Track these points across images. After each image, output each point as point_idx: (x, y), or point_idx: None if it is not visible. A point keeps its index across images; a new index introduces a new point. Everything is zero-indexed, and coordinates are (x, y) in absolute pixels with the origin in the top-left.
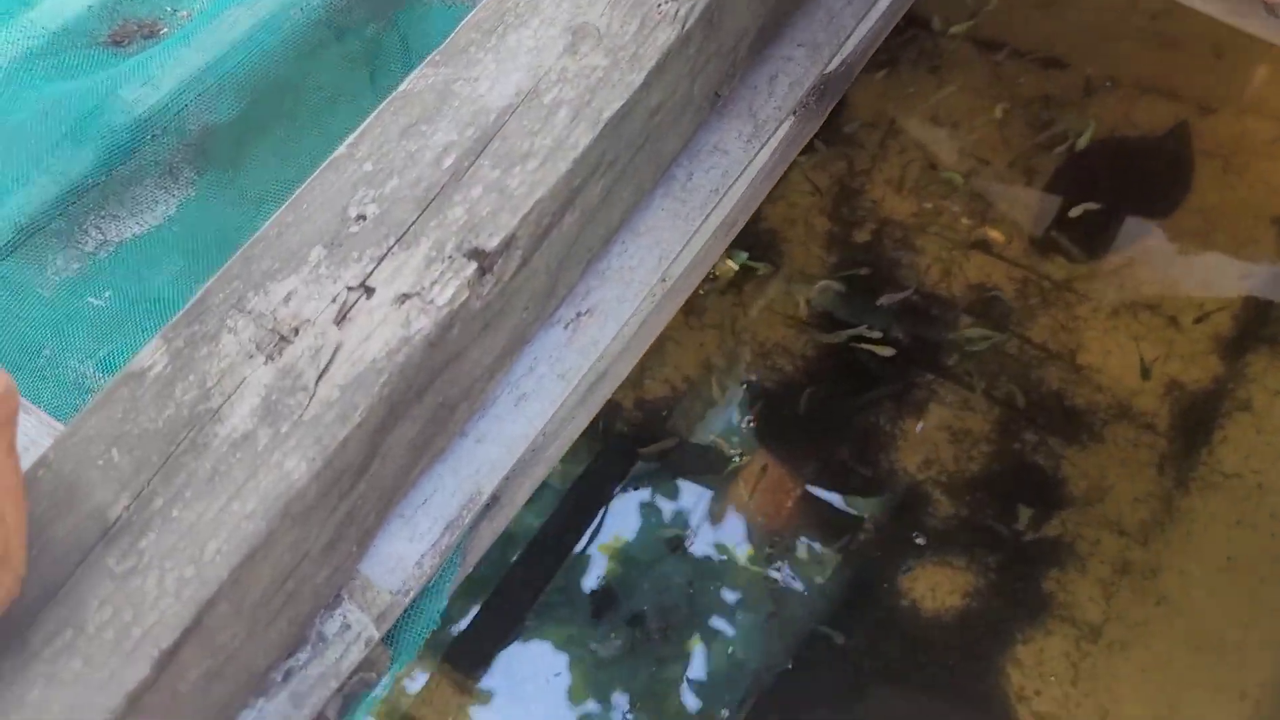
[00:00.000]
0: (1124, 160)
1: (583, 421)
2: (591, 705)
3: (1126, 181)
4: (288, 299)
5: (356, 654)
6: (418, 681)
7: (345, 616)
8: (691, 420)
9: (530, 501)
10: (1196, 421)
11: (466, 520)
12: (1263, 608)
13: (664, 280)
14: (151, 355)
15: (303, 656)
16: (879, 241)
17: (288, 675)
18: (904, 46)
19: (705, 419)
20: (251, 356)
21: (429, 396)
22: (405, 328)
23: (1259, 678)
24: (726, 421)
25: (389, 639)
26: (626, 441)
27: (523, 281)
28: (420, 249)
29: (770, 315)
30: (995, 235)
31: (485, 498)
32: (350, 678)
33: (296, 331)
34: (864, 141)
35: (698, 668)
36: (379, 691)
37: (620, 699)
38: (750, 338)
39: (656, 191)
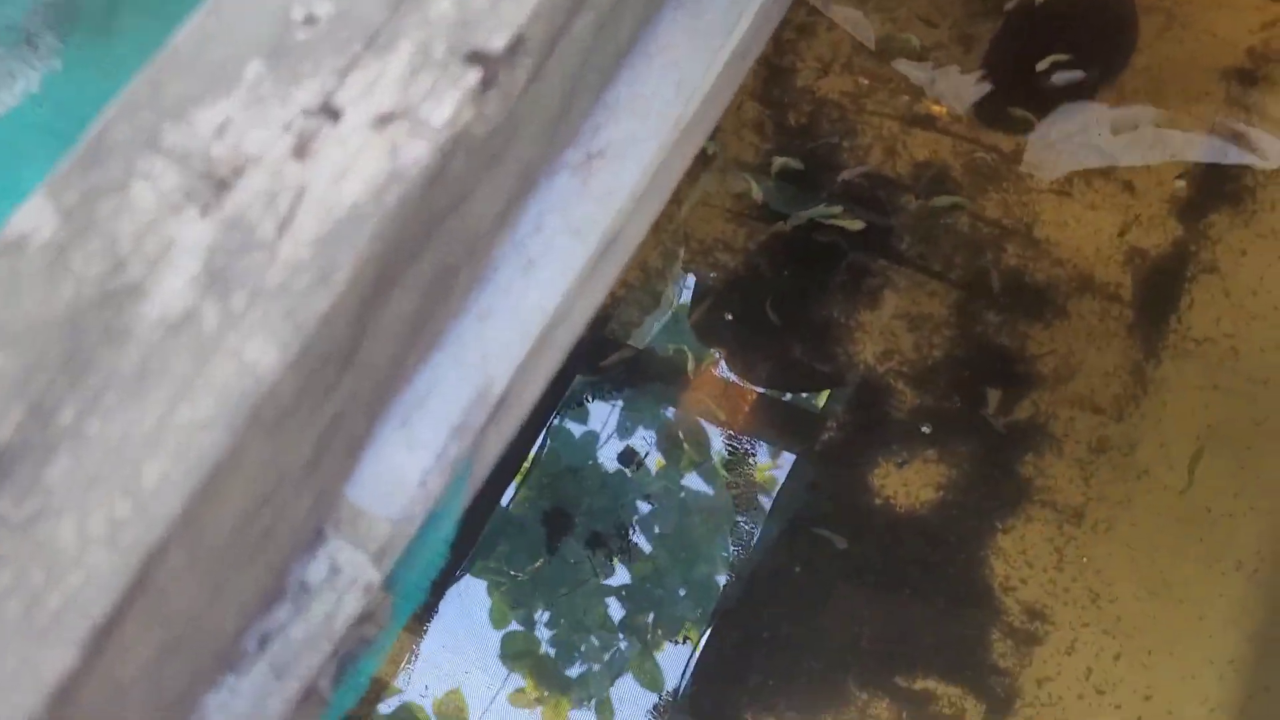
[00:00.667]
0: (1064, 22)
1: (596, 298)
2: (516, 625)
3: (1068, 45)
4: (221, 131)
5: (352, 604)
6: None
7: (334, 557)
8: (632, 327)
9: None
10: (1162, 288)
11: (477, 422)
12: (1249, 474)
13: (683, 112)
14: (34, 218)
15: (282, 615)
16: (816, 124)
17: (264, 641)
18: None
19: (647, 324)
20: (179, 210)
21: (429, 254)
22: (392, 159)
23: (1253, 546)
24: (671, 326)
25: (389, 582)
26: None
27: (533, 102)
28: (400, 54)
29: (707, 209)
30: (937, 109)
31: (498, 392)
32: (345, 636)
33: (239, 173)
34: (790, 17)
35: (659, 584)
36: (381, 649)
37: (554, 612)
38: (689, 234)
39: (668, 3)
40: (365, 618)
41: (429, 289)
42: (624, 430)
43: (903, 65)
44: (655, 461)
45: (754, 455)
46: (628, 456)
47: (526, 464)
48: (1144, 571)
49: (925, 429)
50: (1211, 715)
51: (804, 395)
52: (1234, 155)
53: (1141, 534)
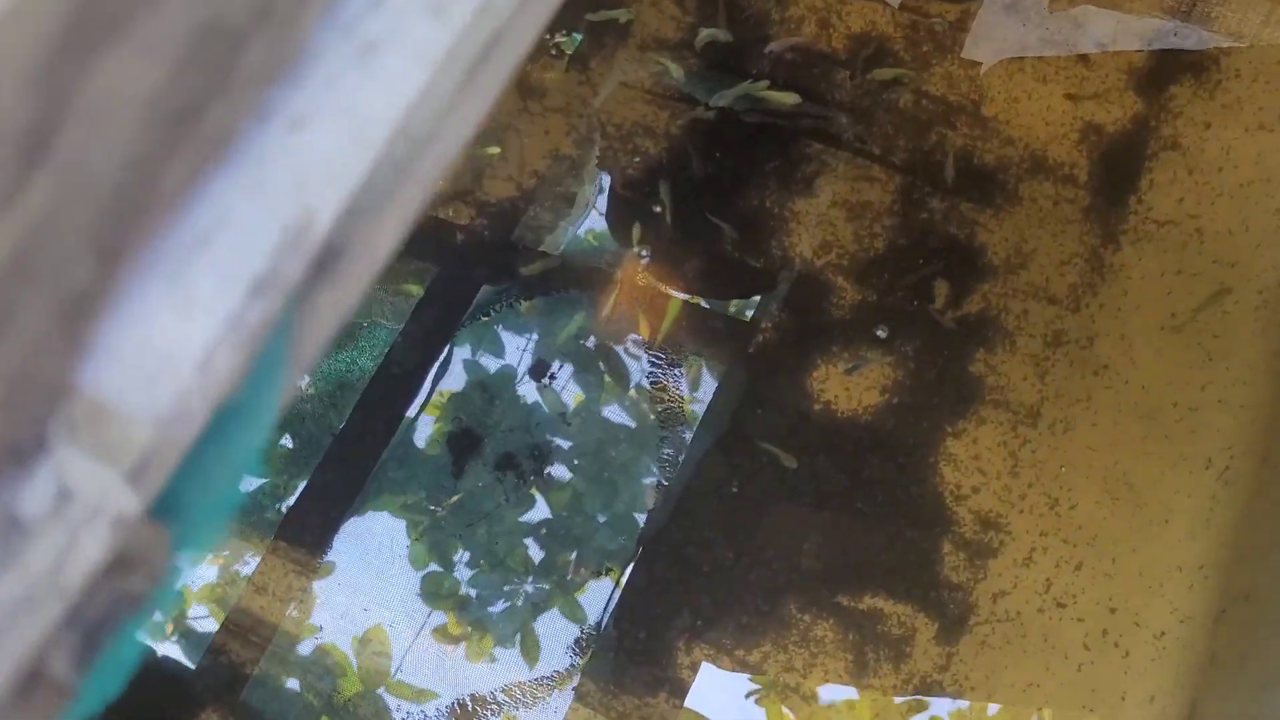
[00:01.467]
0: None
1: (473, 113)
2: (435, 566)
3: None
4: None
5: (95, 545)
6: (249, 565)
7: (62, 476)
8: (544, 226)
9: (359, 341)
10: (1120, 167)
11: (291, 272)
12: (1216, 364)
13: None
14: None
15: None
16: None
17: None
18: None
19: (561, 222)
20: None
21: None
22: None
23: (1223, 442)
24: (587, 223)
25: (163, 509)
26: (470, 258)
27: None
28: None
29: (625, 91)
30: None
31: (322, 231)
32: (92, 596)
33: None
34: None
35: (578, 513)
36: (165, 606)
37: (474, 552)
38: (605, 119)
39: None
40: (123, 564)
41: (188, 60)
42: (531, 342)
43: None
44: (574, 396)
45: (680, 366)
46: (540, 370)
47: (427, 387)
48: (1105, 474)
49: (880, 332)
50: (1182, 626)
51: (735, 296)
52: (1201, 35)
53: (1102, 433)
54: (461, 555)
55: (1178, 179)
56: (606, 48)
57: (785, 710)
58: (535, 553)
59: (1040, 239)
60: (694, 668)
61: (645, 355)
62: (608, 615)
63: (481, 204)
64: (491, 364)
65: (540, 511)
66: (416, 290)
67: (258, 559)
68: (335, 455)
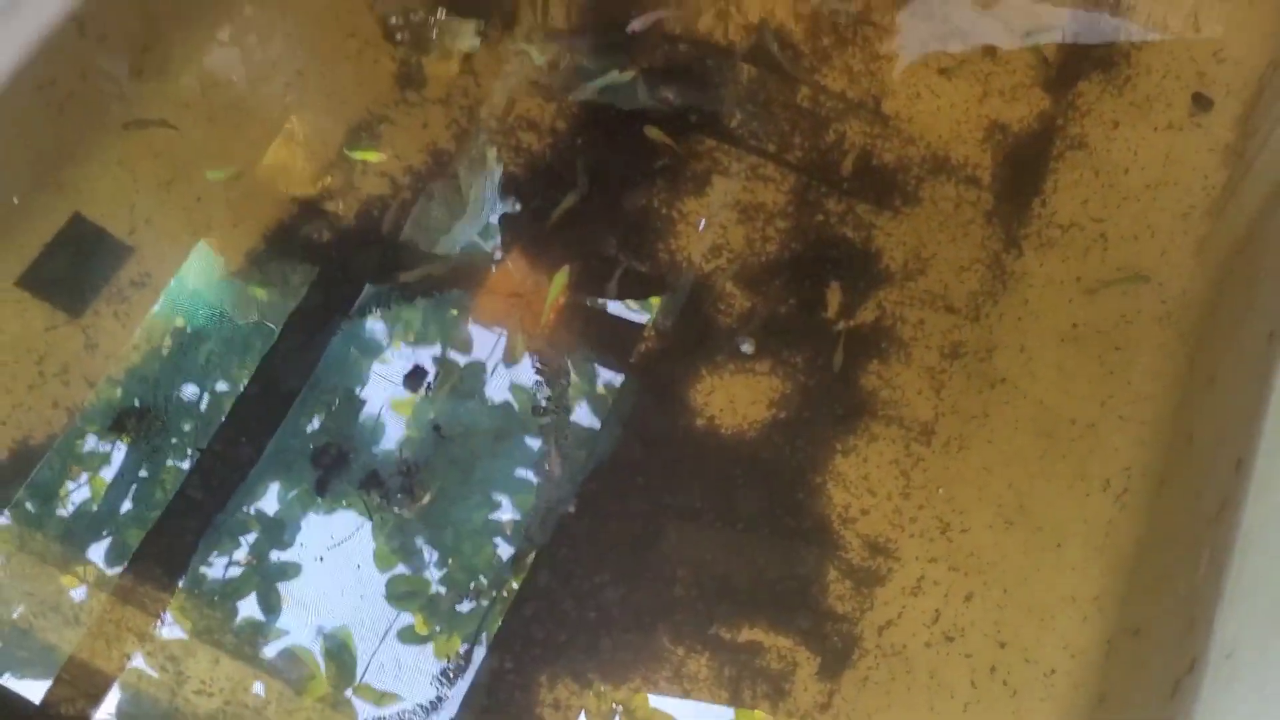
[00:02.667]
0: None
1: None
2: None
3: None
4: None
5: None
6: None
7: None
8: (419, 224)
9: (233, 348)
10: (1025, 168)
11: None
12: (1117, 379)
13: None
14: None
15: None
16: None
17: None
18: None
19: (435, 220)
20: None
21: None
22: None
23: (1121, 462)
24: (464, 220)
25: None
26: (340, 257)
27: None
28: None
29: (506, 83)
30: None
31: None
32: None
33: None
34: None
35: (456, 527)
36: None
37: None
38: (486, 111)
39: None
40: None
41: None
42: (406, 349)
43: None
44: (446, 406)
45: (564, 379)
46: (416, 378)
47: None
48: (1000, 496)
49: (745, 347)
50: (1073, 662)
51: (620, 299)
52: (1111, 28)
53: (998, 451)
54: (350, 567)
55: (1083, 180)
56: (489, 38)
57: None
58: (401, 572)
59: (940, 243)
60: (557, 706)
61: (530, 356)
62: (477, 645)
63: (357, 199)
64: (364, 370)
65: (408, 532)
66: (288, 300)
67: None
68: (209, 463)
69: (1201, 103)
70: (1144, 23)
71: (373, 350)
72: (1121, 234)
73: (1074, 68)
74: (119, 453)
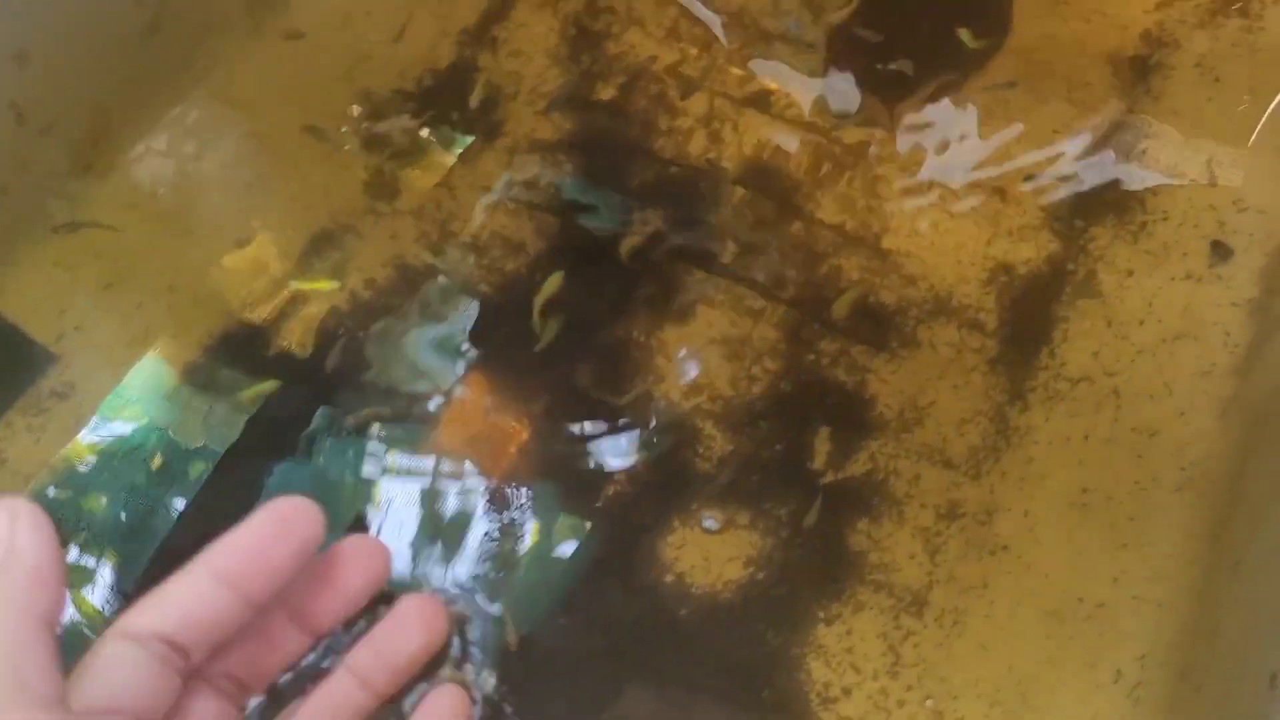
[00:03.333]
0: None
1: None
2: None
3: (931, 20)
4: None
5: None
6: None
7: None
8: (377, 347)
9: (165, 475)
10: (1032, 315)
11: None
12: (1132, 553)
13: None
14: None
15: None
16: (628, 99)
17: None
18: None
19: (396, 342)
20: None
21: None
22: None
23: (1136, 648)
24: (427, 343)
25: None
26: (290, 379)
27: None
28: None
29: (483, 197)
30: (774, 87)
31: None
32: None
33: None
34: None
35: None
36: None
37: None
38: (459, 227)
39: None
40: None
41: None
42: (350, 487)
43: (736, 35)
44: (391, 526)
45: (519, 517)
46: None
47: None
48: (998, 680)
49: (709, 524)
50: None
51: (590, 440)
52: (1124, 171)
53: (997, 628)
54: None
55: (1094, 331)
56: (470, 148)
57: None
58: None
59: (939, 392)
60: None
61: (482, 503)
62: None
63: (314, 314)
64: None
65: None
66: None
67: None
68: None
69: (1221, 251)
70: (1159, 167)
71: (321, 488)
72: (1136, 390)
73: (1086, 211)
74: None
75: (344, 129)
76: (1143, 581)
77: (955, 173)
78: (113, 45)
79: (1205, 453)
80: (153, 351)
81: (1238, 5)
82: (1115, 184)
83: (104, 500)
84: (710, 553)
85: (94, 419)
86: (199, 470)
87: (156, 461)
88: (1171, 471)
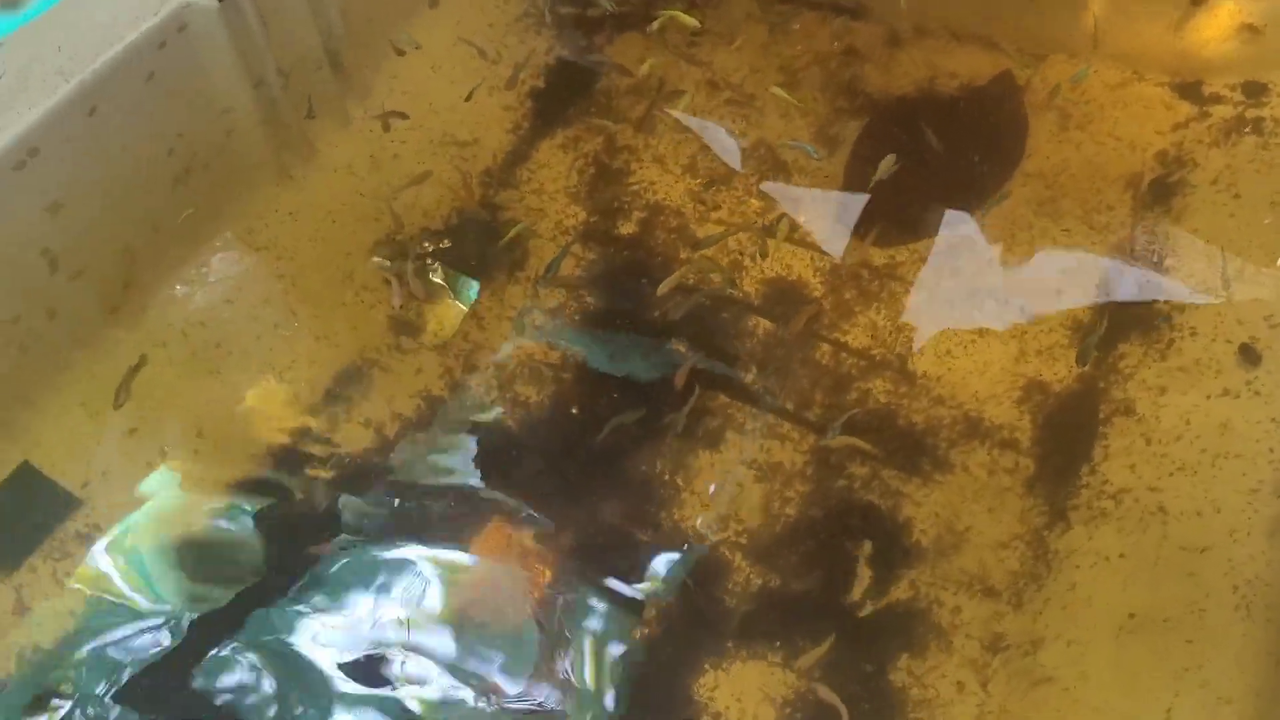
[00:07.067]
0: (943, 121)
1: None
2: None
3: (948, 146)
4: None
5: None
6: None
7: None
8: (404, 477)
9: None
10: (1067, 433)
11: None
12: (1187, 679)
13: None
14: None
15: None
16: (649, 232)
17: None
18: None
19: (423, 472)
20: None
21: None
22: None
23: None
24: (453, 474)
25: None
26: (308, 516)
27: None
28: None
29: (508, 331)
30: (793, 214)
31: None
32: None
33: None
34: (626, 112)
35: None
36: None
37: None
38: (485, 360)
39: None
40: None
41: None
42: (372, 624)
43: (753, 165)
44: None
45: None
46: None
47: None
48: None
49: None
50: None
51: (617, 571)
52: (1149, 289)
53: None
54: None
55: (1134, 448)
56: (495, 281)
57: None
58: None
59: (975, 515)
60: None
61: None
62: None
63: (332, 455)
64: (310, 651)
65: None
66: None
67: None
68: None
69: (1250, 356)
70: (1184, 282)
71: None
72: (1182, 509)
73: (1112, 331)
74: None
75: (369, 268)
76: (1199, 709)
77: (978, 294)
78: (144, 193)
79: (1257, 573)
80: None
81: (1251, 122)
82: (1141, 302)
83: (124, 654)
84: (743, 692)
85: (112, 563)
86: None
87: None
88: (1225, 590)
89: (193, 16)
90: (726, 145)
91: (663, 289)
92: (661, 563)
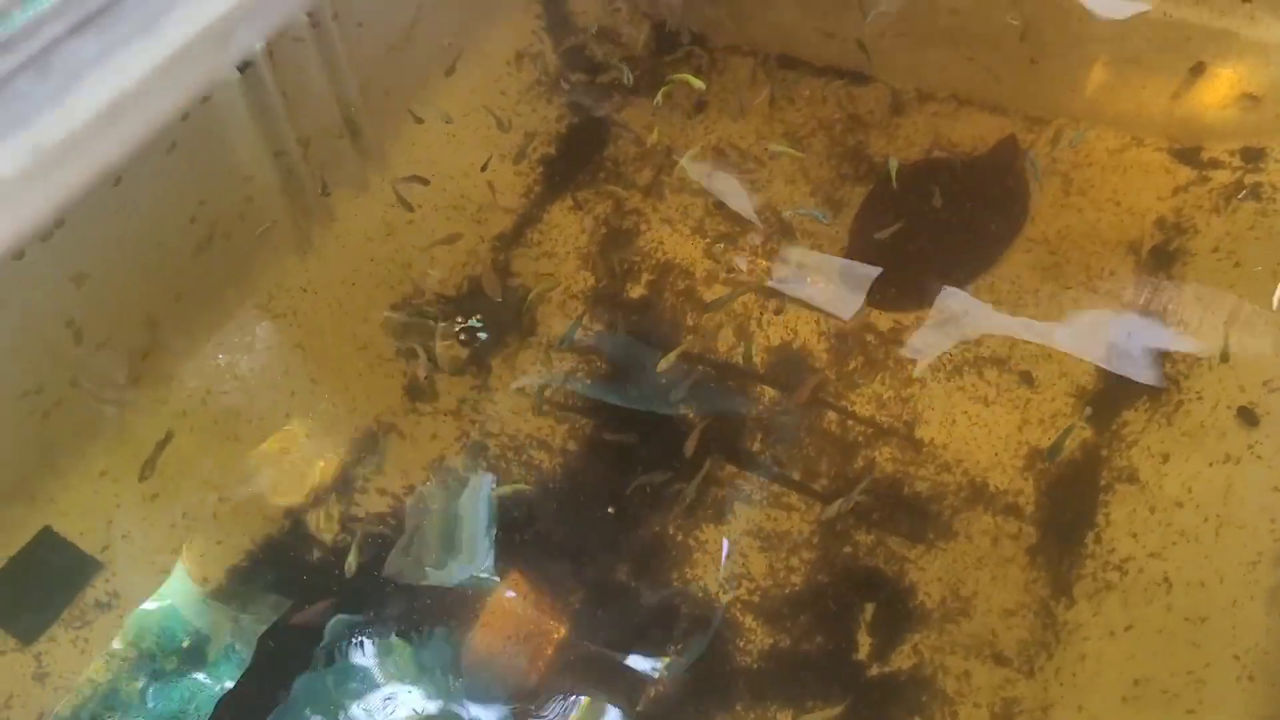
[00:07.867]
0: (945, 186)
1: None
2: None
3: (951, 211)
4: None
5: None
6: None
7: None
8: (419, 545)
9: (204, 688)
10: (1070, 501)
11: None
12: None
13: None
14: None
15: None
16: (657, 296)
17: None
18: (677, 65)
19: (436, 538)
20: None
21: None
22: None
23: None
24: (465, 540)
25: None
26: (320, 584)
27: None
28: None
29: (522, 398)
30: (800, 282)
31: None
32: None
33: None
34: (634, 178)
35: None
36: None
37: None
38: (498, 427)
39: None
40: None
41: None
42: (384, 688)
43: (760, 229)
44: None
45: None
46: None
47: None
48: None
49: None
50: None
51: (626, 635)
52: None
53: None
54: None
55: (1137, 516)
56: (508, 347)
57: None
58: None
59: (980, 581)
60: None
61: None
62: None
63: (343, 515)
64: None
65: None
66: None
67: None
68: None
69: (1248, 418)
70: (1186, 348)
71: (342, 689)
72: (1187, 579)
73: (1115, 397)
74: None
75: (386, 335)
76: None
77: (982, 362)
78: (167, 263)
79: (1256, 642)
80: (187, 561)
81: (1249, 187)
82: (1143, 371)
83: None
84: None
85: (130, 629)
86: (227, 683)
87: (180, 678)
88: (1226, 660)
89: (215, 88)
90: (735, 207)
91: (662, 365)
92: (670, 623)
